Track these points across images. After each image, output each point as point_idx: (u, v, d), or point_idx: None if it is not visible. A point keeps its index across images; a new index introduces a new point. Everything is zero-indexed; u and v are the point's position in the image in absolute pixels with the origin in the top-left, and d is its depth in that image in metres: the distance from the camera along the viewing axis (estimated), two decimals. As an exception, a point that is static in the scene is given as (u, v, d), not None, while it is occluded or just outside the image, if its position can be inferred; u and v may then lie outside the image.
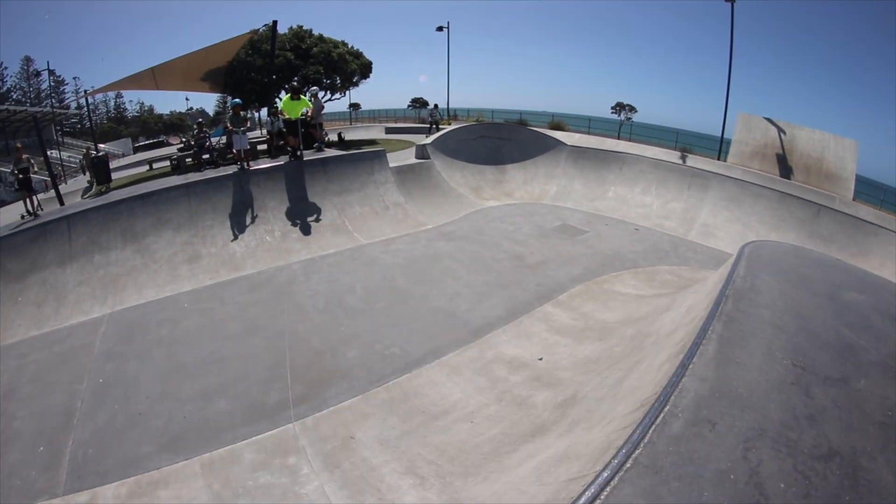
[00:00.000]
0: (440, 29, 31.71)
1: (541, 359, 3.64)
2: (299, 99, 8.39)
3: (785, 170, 14.06)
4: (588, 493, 1.76)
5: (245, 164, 8.19)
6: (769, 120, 14.99)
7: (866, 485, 2.11)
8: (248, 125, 9.90)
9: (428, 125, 23.18)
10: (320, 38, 23.18)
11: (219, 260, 6.15)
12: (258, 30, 20.72)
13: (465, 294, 4.91)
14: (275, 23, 18.69)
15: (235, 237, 6.59)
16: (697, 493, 1.84)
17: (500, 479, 2.65)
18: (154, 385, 3.87)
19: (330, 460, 2.95)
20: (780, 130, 14.75)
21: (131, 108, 61.53)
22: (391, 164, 8.49)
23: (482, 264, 5.92)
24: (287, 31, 22.47)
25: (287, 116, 8.44)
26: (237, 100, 9.81)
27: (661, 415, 2.00)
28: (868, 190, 18.57)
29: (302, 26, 23.23)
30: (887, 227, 9.80)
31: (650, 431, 1.96)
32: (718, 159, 17.04)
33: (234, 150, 8.39)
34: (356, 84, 24.89)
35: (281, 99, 11.70)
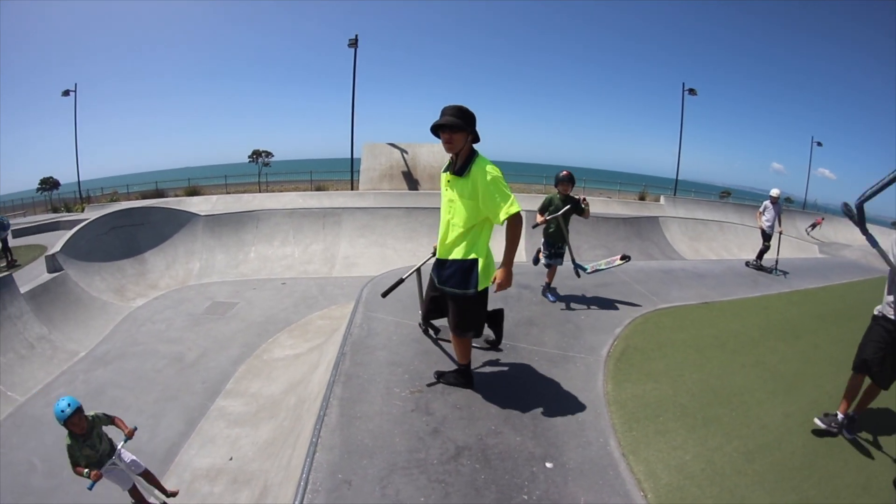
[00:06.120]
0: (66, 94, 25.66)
1: (231, 458, 3.81)
2: None
3: (412, 183, 18.40)
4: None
5: None
6: (392, 144, 19.09)
7: (497, 456, 2.52)
8: None
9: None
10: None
11: None
12: None
13: (142, 422, 4.63)
14: None
15: None
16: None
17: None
18: None
19: None
20: (403, 151, 19.04)
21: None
22: (24, 288, 6.76)
23: (146, 381, 5.55)
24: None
25: None
26: None
27: (306, 493, 2.25)
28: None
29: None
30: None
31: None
32: (351, 189, 20.02)
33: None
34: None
35: None
